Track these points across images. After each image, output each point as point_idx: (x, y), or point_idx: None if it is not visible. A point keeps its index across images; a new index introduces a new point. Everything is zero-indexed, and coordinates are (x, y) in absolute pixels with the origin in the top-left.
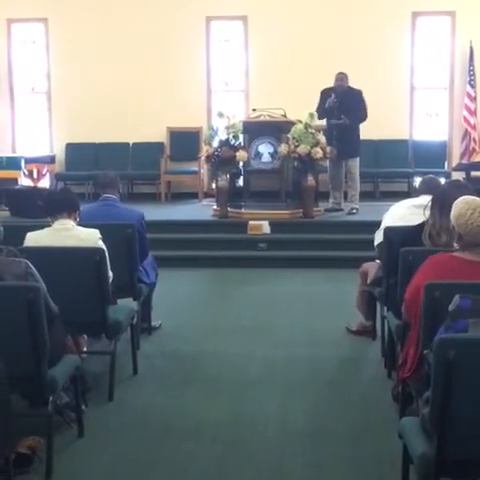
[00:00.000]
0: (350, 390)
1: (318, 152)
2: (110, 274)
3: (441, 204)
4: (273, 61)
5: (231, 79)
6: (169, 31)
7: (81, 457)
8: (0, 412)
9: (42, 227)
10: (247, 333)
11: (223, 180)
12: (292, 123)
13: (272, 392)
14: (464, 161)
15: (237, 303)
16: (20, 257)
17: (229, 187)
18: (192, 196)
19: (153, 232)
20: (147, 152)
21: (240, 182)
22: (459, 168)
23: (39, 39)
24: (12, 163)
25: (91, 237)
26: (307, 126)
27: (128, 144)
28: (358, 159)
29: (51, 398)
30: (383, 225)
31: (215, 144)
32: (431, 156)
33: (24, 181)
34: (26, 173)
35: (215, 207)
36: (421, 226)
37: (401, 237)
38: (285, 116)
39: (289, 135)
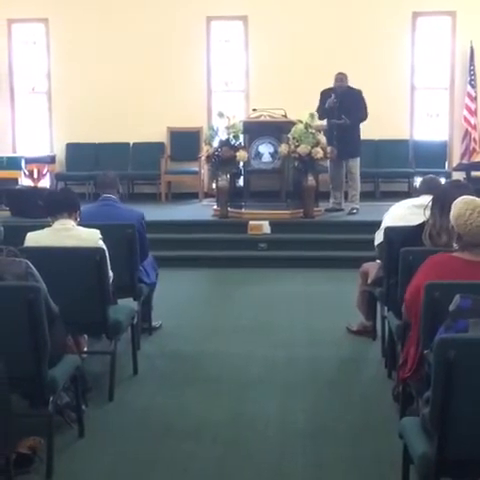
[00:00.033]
0: (350, 390)
1: (318, 152)
2: (110, 274)
3: (441, 204)
4: (273, 61)
5: (231, 79)
6: (169, 31)
7: (81, 457)
8: (0, 412)
9: (42, 227)
10: (247, 333)
11: (223, 180)
12: (292, 123)
13: (272, 392)
14: (464, 161)
15: (237, 303)
16: (20, 257)
17: (229, 187)
18: (192, 196)
19: (153, 232)
20: (147, 152)
21: (240, 182)
22: (459, 168)
23: (39, 39)
24: (12, 163)
25: (92, 237)
26: (307, 126)
27: (128, 144)
28: (358, 159)
29: (51, 398)
30: (383, 225)
31: (215, 144)
32: (431, 156)
33: (24, 181)
34: (26, 173)
35: (215, 207)
36: (421, 226)
37: (401, 237)
38: (285, 116)
39: (289, 135)
